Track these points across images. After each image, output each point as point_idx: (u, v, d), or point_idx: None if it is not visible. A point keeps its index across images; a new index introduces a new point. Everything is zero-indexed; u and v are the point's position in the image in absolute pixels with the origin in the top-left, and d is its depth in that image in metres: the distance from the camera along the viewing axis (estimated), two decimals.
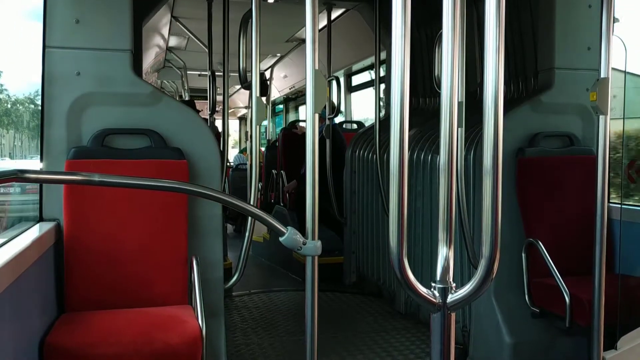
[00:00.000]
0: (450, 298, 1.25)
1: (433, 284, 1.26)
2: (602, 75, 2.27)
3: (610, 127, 2.27)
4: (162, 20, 5.66)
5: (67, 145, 2.44)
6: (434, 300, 1.25)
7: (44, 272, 2.16)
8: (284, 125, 9.26)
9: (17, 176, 1.40)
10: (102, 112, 2.49)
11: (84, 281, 2.31)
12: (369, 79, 6.79)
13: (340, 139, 5.36)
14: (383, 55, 4.59)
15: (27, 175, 1.44)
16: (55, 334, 2.00)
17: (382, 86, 4.92)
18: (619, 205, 2.72)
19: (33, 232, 2.19)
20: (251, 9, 2.77)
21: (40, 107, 2.47)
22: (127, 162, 2.44)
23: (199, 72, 8.74)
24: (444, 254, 1.25)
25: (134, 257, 2.37)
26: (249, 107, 3.00)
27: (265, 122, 9.99)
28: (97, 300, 2.30)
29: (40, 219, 2.42)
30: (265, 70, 8.76)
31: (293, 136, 6.11)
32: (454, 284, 1.26)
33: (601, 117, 2.28)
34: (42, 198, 2.43)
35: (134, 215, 2.40)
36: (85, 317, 2.15)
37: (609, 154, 2.30)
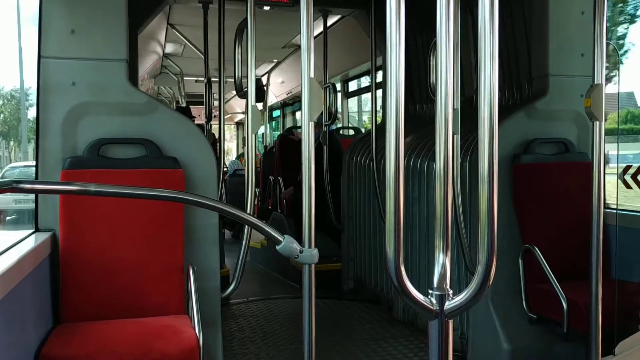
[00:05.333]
0: (448, 305, 1.24)
1: (430, 291, 1.25)
2: (596, 81, 2.28)
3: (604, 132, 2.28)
4: (158, 27, 5.67)
5: (62, 155, 2.43)
6: (431, 307, 1.25)
7: (39, 283, 2.15)
8: (281, 131, 9.27)
9: (13, 186, 1.39)
10: (98, 121, 2.48)
11: (80, 292, 2.30)
12: (367, 84, 6.81)
13: (337, 145, 5.37)
14: (380, 62, 4.61)
15: (23, 185, 1.44)
16: (51, 345, 1.98)
17: (379, 92, 4.94)
18: (615, 211, 2.72)
19: (28, 243, 2.18)
20: (246, 18, 2.78)
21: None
22: (122, 172, 2.43)
23: (195, 78, 8.75)
24: (441, 260, 1.25)
25: (130, 266, 2.36)
26: (245, 112, 3.02)
27: (262, 129, 10.00)
28: (93, 310, 2.29)
29: (36, 229, 2.41)
30: (262, 75, 8.77)
31: (290, 142, 6.11)
32: (451, 291, 1.26)
33: (596, 123, 2.29)
34: (38, 208, 2.42)
35: (130, 224, 2.39)
36: (81, 328, 2.14)
37: (604, 160, 2.30)
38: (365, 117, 7.59)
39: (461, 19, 2.46)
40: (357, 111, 7.80)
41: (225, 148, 5.99)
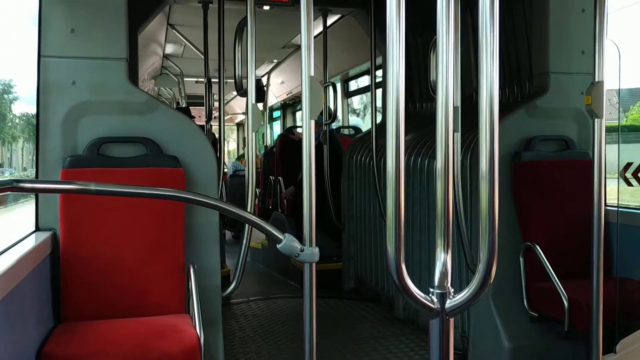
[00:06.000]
0: (449, 303, 1.24)
1: (431, 290, 1.25)
2: (597, 78, 2.28)
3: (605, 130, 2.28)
4: (158, 27, 5.67)
5: (62, 154, 2.43)
6: (432, 305, 1.24)
7: (40, 282, 2.15)
8: (281, 131, 9.27)
9: (13, 186, 1.39)
10: (98, 120, 2.48)
11: (81, 291, 2.30)
12: (367, 84, 6.80)
13: (337, 144, 5.37)
14: (379, 61, 4.61)
15: (23, 184, 1.43)
16: (52, 344, 1.98)
17: (379, 91, 4.94)
18: (616, 208, 2.72)
19: (29, 242, 2.18)
20: (246, 17, 2.78)
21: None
22: (123, 171, 2.43)
23: (195, 79, 8.75)
24: (442, 259, 1.25)
25: (131, 266, 2.36)
26: (246, 112, 3.03)
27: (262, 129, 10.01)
28: (93, 310, 2.29)
29: (37, 228, 2.41)
30: (262, 76, 8.77)
31: (290, 142, 6.11)
32: (452, 289, 1.25)
33: (596, 121, 2.29)
34: (38, 208, 2.42)
35: (130, 223, 2.39)
36: (82, 327, 2.14)
37: (605, 157, 2.30)
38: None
39: (461, 17, 2.47)
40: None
41: (225, 151, 5.99)
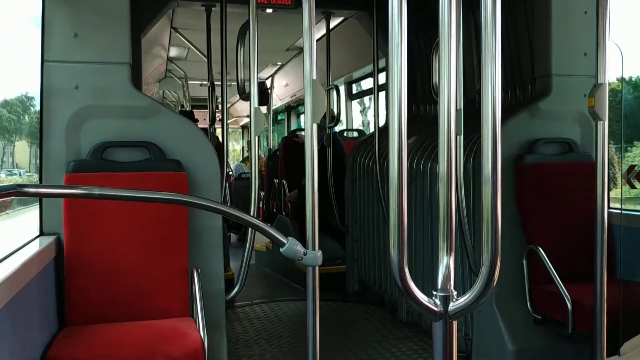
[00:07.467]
0: (452, 306, 1.24)
1: (434, 293, 1.25)
2: (600, 81, 2.27)
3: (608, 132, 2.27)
4: (162, 31, 5.69)
5: (66, 159, 2.44)
6: (436, 308, 1.25)
7: (44, 286, 2.16)
8: (285, 134, 9.28)
9: (17, 191, 1.39)
10: (101, 125, 2.49)
11: (85, 295, 2.31)
12: (371, 86, 6.79)
13: (340, 147, 5.37)
14: (382, 63, 4.61)
15: (27, 189, 1.44)
16: (57, 348, 1.99)
17: (382, 94, 4.93)
18: (619, 211, 2.71)
19: (33, 247, 2.19)
20: (249, 20, 2.79)
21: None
22: (126, 175, 2.44)
23: (200, 82, 8.77)
24: (445, 262, 1.25)
25: (135, 269, 2.37)
26: (249, 116, 3.04)
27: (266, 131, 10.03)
28: (98, 313, 2.30)
29: (41, 233, 2.42)
30: (266, 79, 8.79)
31: (294, 145, 6.12)
32: (456, 292, 1.26)
33: (599, 123, 2.28)
34: (42, 212, 2.43)
35: (134, 228, 2.40)
36: (86, 330, 2.15)
37: (608, 160, 2.30)
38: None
39: (463, 19, 2.47)
40: None
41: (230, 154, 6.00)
